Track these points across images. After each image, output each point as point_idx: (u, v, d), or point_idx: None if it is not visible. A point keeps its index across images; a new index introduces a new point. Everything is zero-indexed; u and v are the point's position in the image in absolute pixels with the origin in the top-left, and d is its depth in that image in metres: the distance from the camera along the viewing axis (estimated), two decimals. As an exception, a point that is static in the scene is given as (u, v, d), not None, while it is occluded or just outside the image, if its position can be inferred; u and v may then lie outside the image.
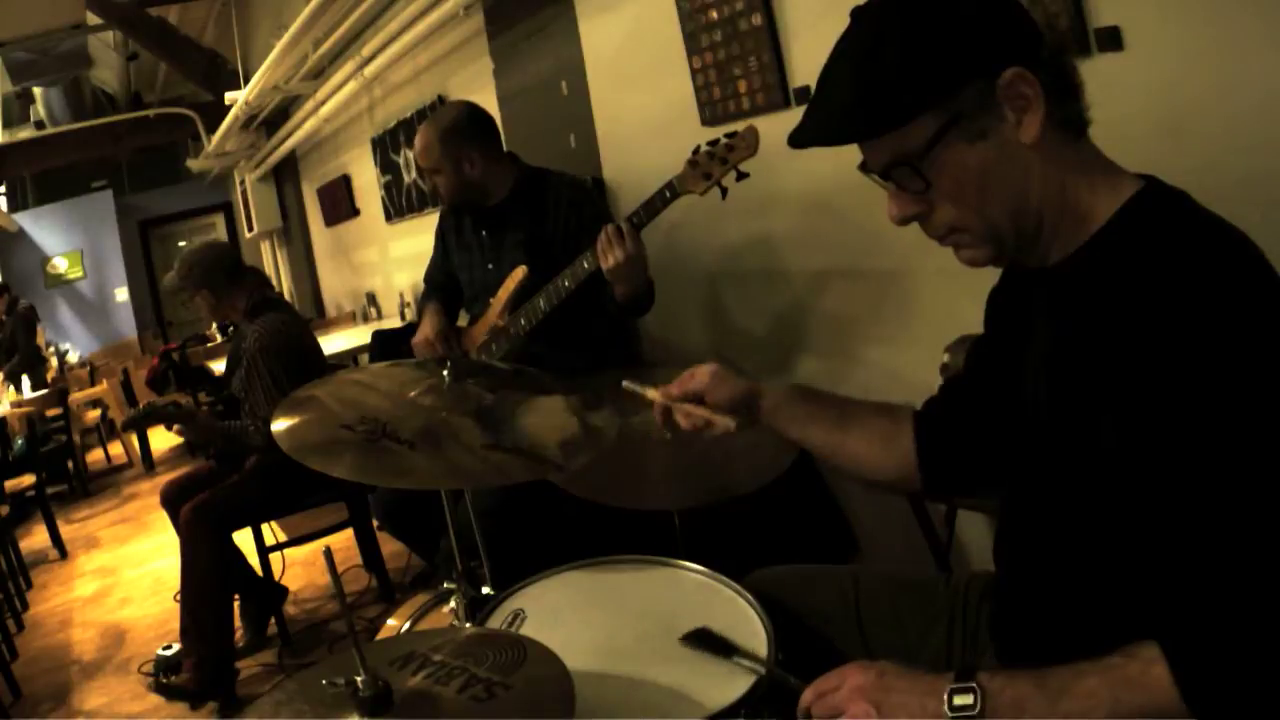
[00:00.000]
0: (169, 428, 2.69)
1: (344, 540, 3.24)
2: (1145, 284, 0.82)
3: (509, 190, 2.33)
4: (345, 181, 6.32)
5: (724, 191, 1.87)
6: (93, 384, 7.18)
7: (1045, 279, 0.94)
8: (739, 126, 1.88)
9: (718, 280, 2.72)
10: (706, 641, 1.17)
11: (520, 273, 2.24)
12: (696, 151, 1.88)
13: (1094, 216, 0.89)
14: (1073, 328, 0.89)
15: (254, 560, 3.01)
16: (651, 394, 1.27)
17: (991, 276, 1.12)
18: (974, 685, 0.85)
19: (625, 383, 1.31)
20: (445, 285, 2.58)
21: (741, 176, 1.85)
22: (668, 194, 1.92)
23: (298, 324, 2.97)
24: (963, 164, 0.87)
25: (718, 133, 1.89)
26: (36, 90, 7.55)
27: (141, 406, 2.75)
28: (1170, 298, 0.80)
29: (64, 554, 4.71)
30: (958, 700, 0.85)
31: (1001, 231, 0.91)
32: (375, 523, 3.14)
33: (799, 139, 0.92)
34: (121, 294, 10.96)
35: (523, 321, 2.22)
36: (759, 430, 1.26)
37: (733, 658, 1.13)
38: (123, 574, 4.25)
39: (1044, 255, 0.94)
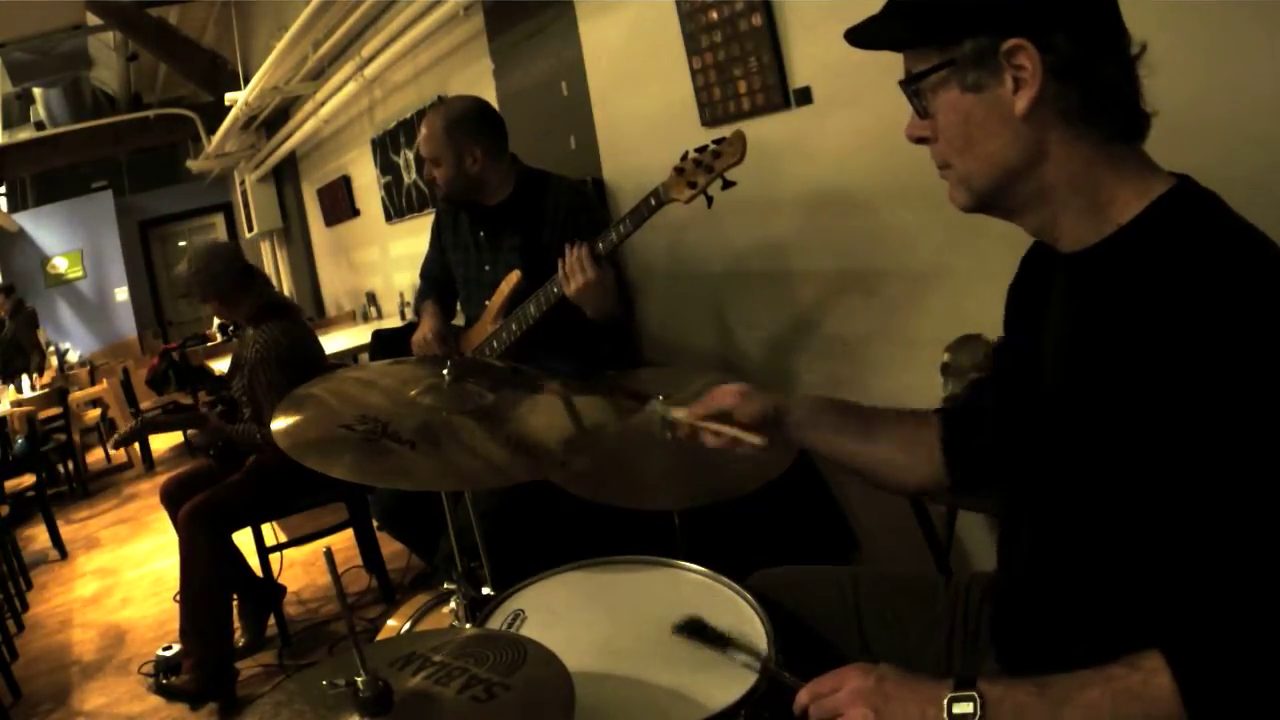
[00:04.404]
0: (170, 428, 2.69)
1: (344, 541, 3.24)
2: (1167, 282, 0.82)
3: (509, 192, 2.33)
4: (345, 182, 6.32)
5: (709, 200, 1.85)
6: (93, 384, 7.18)
7: (1065, 267, 0.95)
8: (736, 129, 1.87)
9: (719, 281, 2.72)
10: (700, 632, 1.17)
11: (515, 277, 2.24)
12: (684, 158, 1.86)
13: (1117, 208, 0.89)
14: (1091, 321, 0.90)
15: (253, 560, 3.01)
16: (678, 413, 1.27)
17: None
18: (974, 694, 0.85)
19: (652, 404, 1.30)
20: (442, 281, 2.57)
21: (728, 185, 1.83)
22: (653, 202, 1.90)
23: (300, 330, 2.96)
24: (954, 107, 0.93)
25: (718, 133, 1.88)
26: (36, 91, 7.55)
27: (158, 411, 2.77)
28: (1192, 298, 0.80)
29: (64, 554, 4.71)
30: (957, 709, 0.85)
31: (976, 183, 0.95)
32: (375, 523, 3.14)
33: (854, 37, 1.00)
34: (121, 294, 10.96)
35: (514, 326, 2.22)
36: (783, 445, 1.26)
37: (727, 651, 1.13)
38: (123, 574, 4.25)
39: (1051, 232, 0.95)
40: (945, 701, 0.86)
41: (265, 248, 9.11)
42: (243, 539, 2.91)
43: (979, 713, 0.84)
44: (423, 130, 2.32)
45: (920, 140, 0.99)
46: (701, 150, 1.84)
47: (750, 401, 1.23)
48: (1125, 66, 0.89)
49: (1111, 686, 0.79)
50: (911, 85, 0.95)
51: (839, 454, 1.24)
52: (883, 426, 1.23)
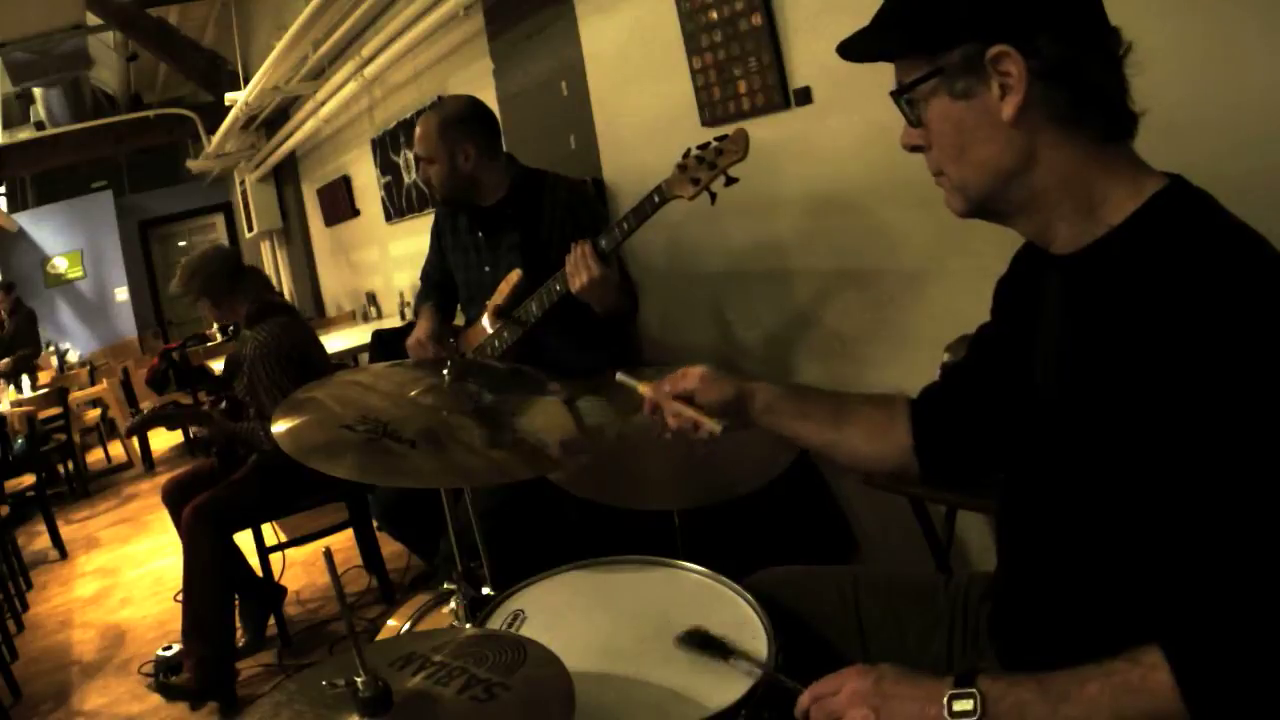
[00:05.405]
0: (171, 428, 2.70)
1: (344, 540, 3.24)
2: (1162, 282, 0.82)
3: (506, 191, 2.33)
4: (345, 182, 6.32)
5: (713, 197, 1.86)
6: (93, 384, 7.18)
7: (1059, 267, 0.95)
8: (738, 127, 1.87)
9: (719, 280, 2.72)
10: (703, 643, 1.17)
11: (515, 276, 2.24)
12: (686, 155, 1.86)
13: (1109, 209, 0.89)
14: (1088, 321, 0.90)
15: (254, 560, 3.01)
16: (643, 388, 1.29)
17: (994, 274, 1.13)
18: (974, 691, 0.85)
19: (619, 375, 1.33)
20: (442, 284, 2.58)
21: (730, 182, 1.84)
22: (656, 199, 1.90)
23: (298, 327, 2.96)
24: (945, 115, 0.93)
25: (718, 133, 1.88)
26: (36, 91, 7.55)
27: (160, 407, 2.77)
28: (1187, 298, 0.80)
29: (64, 554, 4.71)
30: (957, 706, 0.85)
31: (970, 189, 0.95)
32: (375, 523, 3.14)
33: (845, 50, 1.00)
34: (121, 294, 10.96)
35: (516, 325, 2.22)
36: (753, 431, 1.27)
37: (730, 659, 1.13)
38: (123, 574, 4.25)
39: (1045, 235, 0.95)
40: (945, 699, 0.86)
41: (265, 248, 9.11)
42: (243, 539, 2.91)
43: (979, 710, 0.84)
44: (418, 130, 2.33)
45: (915, 149, 0.99)
46: (704, 147, 1.84)
47: (714, 386, 1.23)
48: (1111, 66, 0.89)
49: (1111, 681, 0.80)
50: (903, 95, 0.96)
51: (803, 440, 1.25)
52: (849, 413, 1.23)
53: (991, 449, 1.08)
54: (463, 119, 2.30)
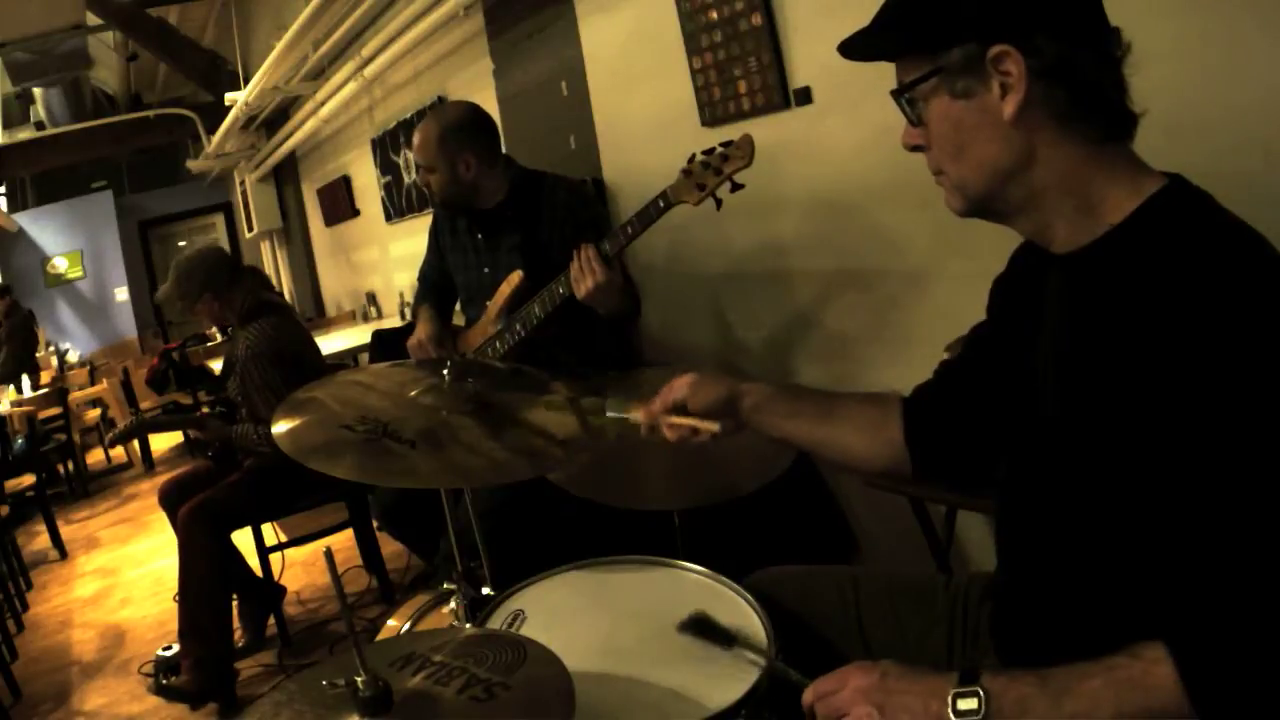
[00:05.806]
0: (168, 428, 2.69)
1: (344, 540, 3.24)
2: (1162, 281, 0.82)
3: (505, 194, 2.33)
4: (345, 182, 6.32)
5: (718, 203, 1.86)
6: (93, 384, 7.18)
7: (1058, 267, 0.95)
8: (738, 130, 1.87)
9: (719, 281, 2.72)
10: (705, 629, 1.17)
11: (516, 277, 2.24)
12: (691, 160, 1.86)
13: (1108, 209, 0.90)
14: (1087, 321, 0.90)
15: (253, 560, 3.01)
16: (634, 414, 1.29)
17: (994, 274, 1.13)
18: (978, 689, 0.85)
19: (609, 411, 1.33)
20: (440, 285, 2.57)
21: (736, 188, 1.84)
22: (661, 204, 1.91)
23: (291, 326, 2.95)
24: (944, 114, 0.94)
25: (718, 133, 1.88)
26: (36, 90, 7.56)
27: (158, 411, 2.77)
28: (1187, 297, 0.80)
29: (64, 554, 4.71)
30: (962, 704, 0.85)
31: (970, 188, 0.96)
32: (375, 523, 3.14)
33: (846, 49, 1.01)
34: (121, 294, 10.96)
35: (518, 326, 2.22)
36: (750, 432, 1.27)
37: (734, 648, 1.13)
38: (123, 574, 4.25)
39: (1045, 235, 0.95)
40: (950, 696, 0.86)
41: (265, 248, 9.11)
42: (243, 539, 2.91)
43: (984, 708, 0.84)
44: (417, 138, 2.32)
45: (915, 148, 1.00)
46: (709, 153, 1.84)
47: (703, 390, 1.24)
48: (1110, 66, 0.90)
49: (1113, 676, 0.80)
50: (903, 94, 0.96)
51: (795, 438, 1.25)
52: (841, 411, 1.23)
53: (985, 446, 1.08)
54: (462, 127, 2.29)
